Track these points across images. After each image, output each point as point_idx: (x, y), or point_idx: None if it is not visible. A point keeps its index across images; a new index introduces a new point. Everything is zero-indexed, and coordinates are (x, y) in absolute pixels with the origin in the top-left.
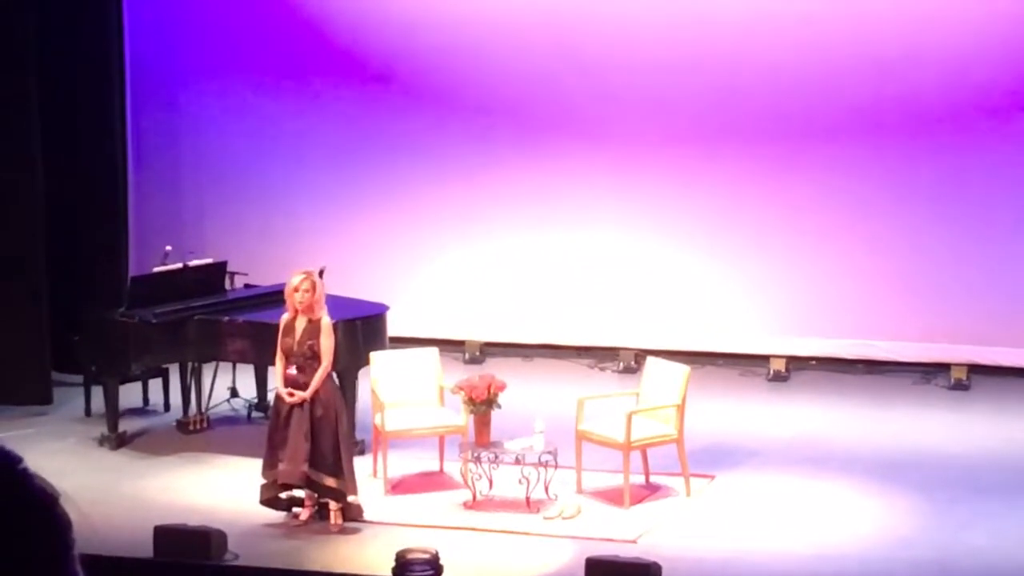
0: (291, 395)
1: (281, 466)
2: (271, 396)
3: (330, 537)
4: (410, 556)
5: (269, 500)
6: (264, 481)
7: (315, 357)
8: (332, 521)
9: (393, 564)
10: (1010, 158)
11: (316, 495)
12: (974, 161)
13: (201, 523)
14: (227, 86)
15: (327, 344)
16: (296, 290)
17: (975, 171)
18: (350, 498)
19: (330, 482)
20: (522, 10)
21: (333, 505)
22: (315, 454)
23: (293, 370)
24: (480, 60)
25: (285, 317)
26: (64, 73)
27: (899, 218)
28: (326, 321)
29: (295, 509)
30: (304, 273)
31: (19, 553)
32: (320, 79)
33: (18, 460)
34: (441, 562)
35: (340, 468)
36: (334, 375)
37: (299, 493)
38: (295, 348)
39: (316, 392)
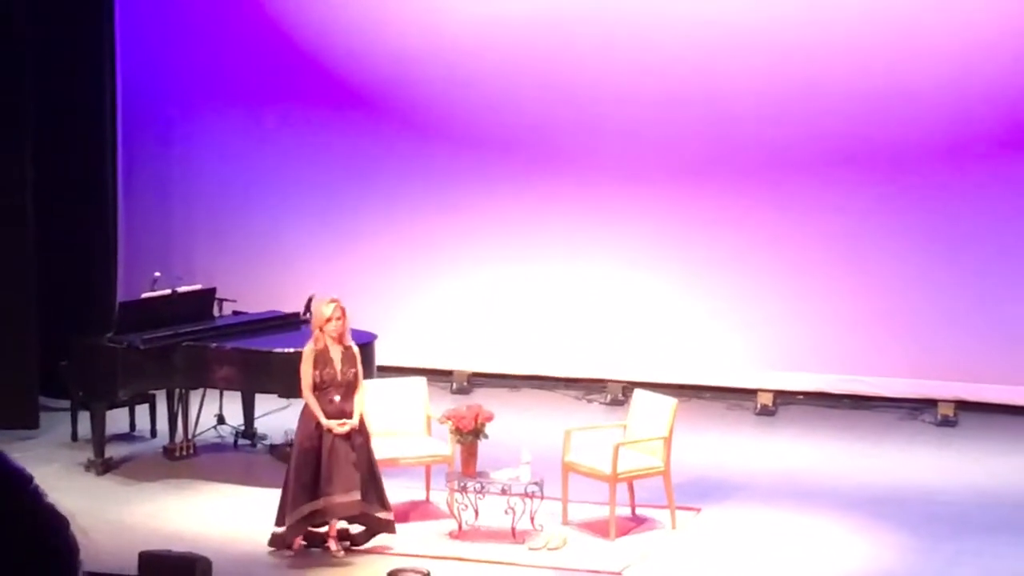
0: (342, 425)
1: (335, 499)
2: (258, 424)
3: (318, 566)
4: (402, 575)
5: (307, 536)
6: (290, 521)
7: (353, 383)
8: (333, 549)
9: None
10: (997, 194)
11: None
12: (962, 197)
13: (187, 550)
14: (218, 114)
15: (361, 369)
16: (329, 320)
17: (963, 207)
18: (386, 515)
19: (368, 508)
20: (513, 43)
21: (333, 531)
22: (363, 484)
23: (337, 399)
24: (471, 92)
25: (312, 348)
26: (57, 101)
27: (887, 254)
28: (355, 346)
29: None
30: (333, 301)
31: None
32: (311, 109)
33: (29, 480)
34: None
35: (384, 498)
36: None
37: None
38: (338, 377)
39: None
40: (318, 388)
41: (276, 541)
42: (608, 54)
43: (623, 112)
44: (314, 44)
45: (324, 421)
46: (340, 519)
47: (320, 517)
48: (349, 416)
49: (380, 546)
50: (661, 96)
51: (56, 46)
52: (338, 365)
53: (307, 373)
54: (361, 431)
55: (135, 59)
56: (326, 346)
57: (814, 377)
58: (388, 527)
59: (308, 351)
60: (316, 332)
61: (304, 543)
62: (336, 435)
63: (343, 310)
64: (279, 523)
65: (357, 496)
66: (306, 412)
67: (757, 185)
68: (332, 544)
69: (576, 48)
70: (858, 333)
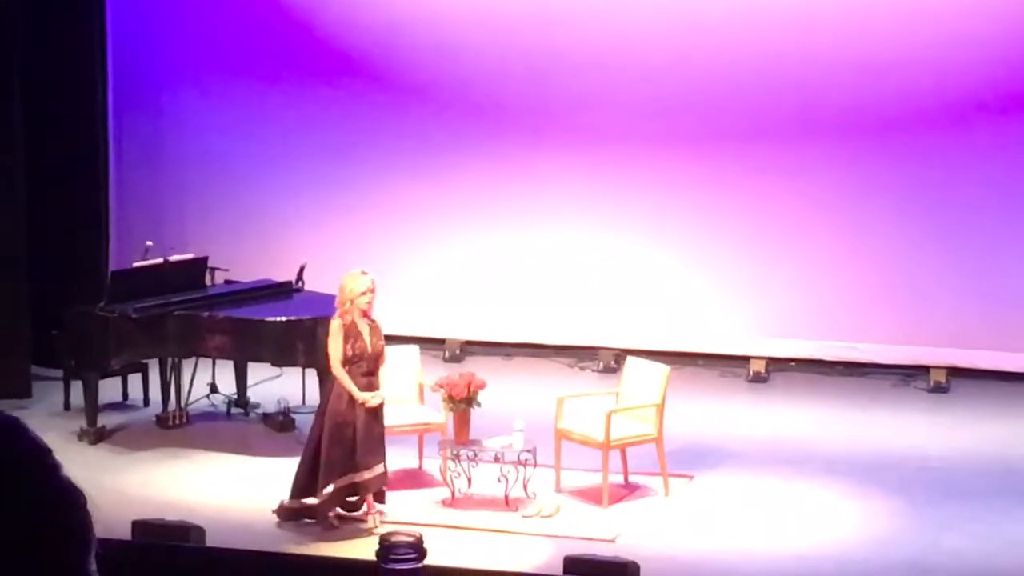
0: (374, 397)
1: (365, 475)
2: (251, 393)
3: (310, 533)
4: (394, 539)
5: (337, 508)
6: (330, 491)
7: (380, 357)
8: (370, 525)
9: (377, 547)
10: (993, 162)
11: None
12: (957, 164)
13: (180, 518)
14: (209, 84)
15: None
16: (364, 294)
17: (958, 175)
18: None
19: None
20: (502, 11)
21: (374, 508)
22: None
23: (366, 373)
24: (461, 60)
25: (340, 323)
26: (47, 70)
27: (881, 221)
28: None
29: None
30: (364, 273)
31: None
32: (302, 79)
33: (48, 452)
34: (425, 546)
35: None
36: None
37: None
38: (368, 350)
39: None
40: (349, 362)
41: (285, 512)
42: (597, 21)
43: (617, 79)
44: (304, 15)
45: (358, 395)
46: (362, 492)
47: (356, 491)
48: (378, 389)
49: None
50: (655, 63)
51: (46, 18)
52: (367, 338)
53: (337, 348)
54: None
55: (126, 31)
56: (354, 320)
57: (807, 344)
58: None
59: (336, 326)
60: (345, 306)
61: (339, 516)
62: (368, 408)
63: (374, 283)
64: (298, 496)
65: (382, 469)
66: (337, 387)
67: (751, 153)
68: (370, 519)
69: (565, 16)
70: (851, 300)
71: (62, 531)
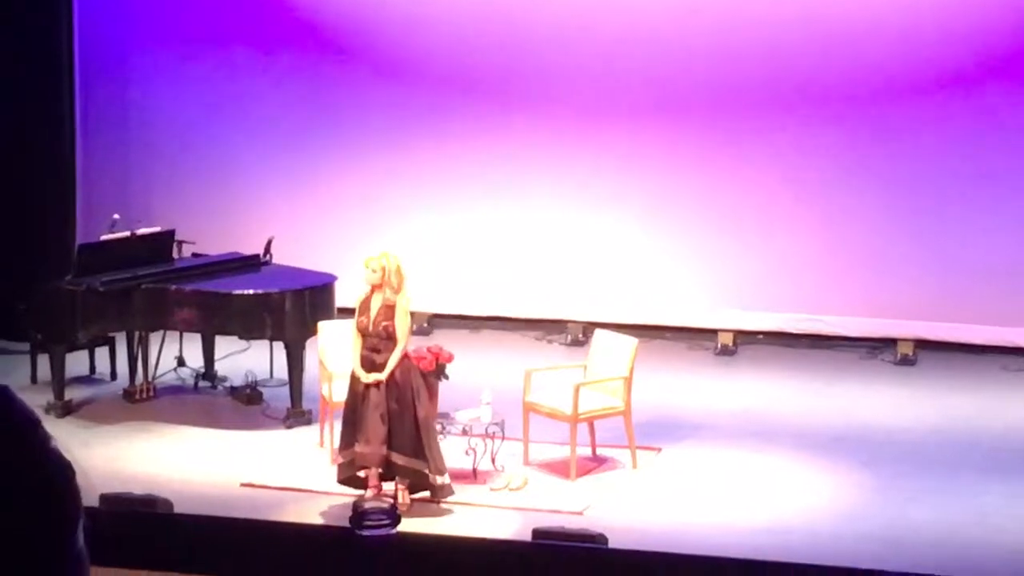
0: (368, 376)
1: (359, 447)
2: (218, 366)
3: (279, 507)
4: (367, 506)
5: (347, 479)
6: (341, 460)
7: (391, 338)
8: (400, 501)
9: (350, 514)
10: (958, 135)
11: (381, 475)
12: (923, 137)
13: (147, 492)
14: (177, 55)
15: (403, 325)
16: (366, 266)
17: (924, 148)
18: (439, 479)
19: (404, 461)
20: None
21: (401, 484)
22: (394, 436)
23: (369, 350)
24: (427, 34)
25: (361, 295)
26: (12, 40)
27: (847, 193)
28: (403, 303)
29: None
30: (383, 252)
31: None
32: (271, 50)
33: (37, 423)
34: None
35: (422, 449)
36: (409, 355)
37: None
38: (370, 328)
39: (392, 374)
40: (360, 335)
41: (339, 474)
42: None
43: (580, 52)
44: None
45: (356, 368)
46: (372, 468)
47: (358, 464)
48: (380, 368)
49: (340, 491)
50: (618, 36)
51: None
52: (372, 315)
53: (354, 321)
54: (401, 386)
55: (92, 1)
56: (368, 295)
57: (774, 316)
58: (416, 477)
59: (358, 297)
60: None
61: (369, 488)
62: (367, 385)
63: (389, 262)
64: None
65: (383, 450)
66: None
67: (715, 125)
68: (399, 495)
69: None
70: (818, 273)
71: (52, 504)
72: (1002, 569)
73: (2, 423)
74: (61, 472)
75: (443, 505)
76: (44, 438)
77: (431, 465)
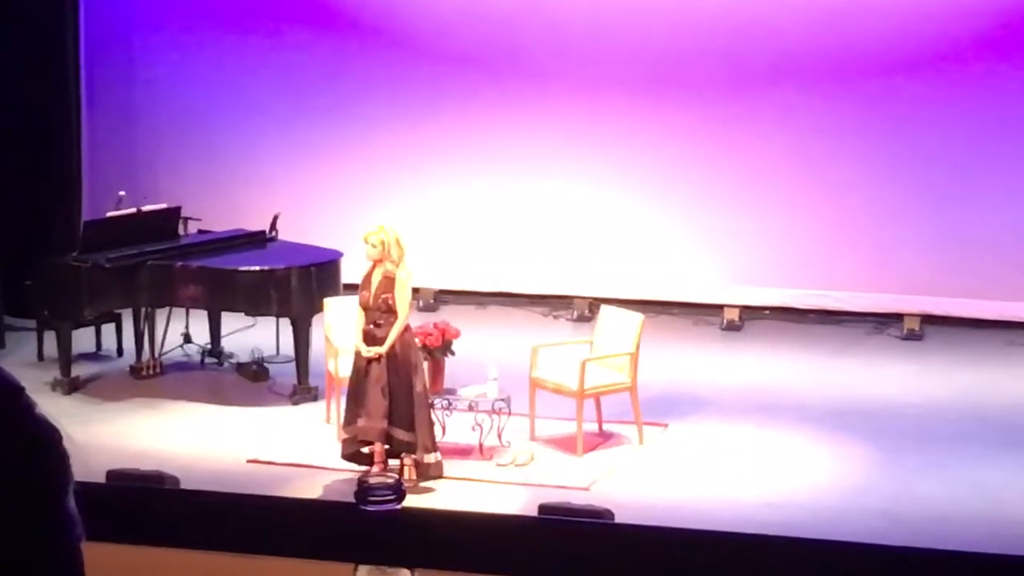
0: (368, 350)
1: (360, 422)
2: (224, 343)
3: (285, 482)
4: (372, 481)
5: (351, 455)
6: (345, 435)
7: (391, 311)
8: (406, 476)
9: (355, 489)
10: (964, 110)
11: (386, 450)
12: (928, 113)
13: (154, 468)
14: (182, 33)
15: (403, 298)
16: (365, 241)
17: (929, 123)
18: (428, 457)
19: (404, 436)
20: None
21: (407, 460)
22: (393, 410)
23: (370, 324)
24: (436, 9)
25: (364, 271)
26: (18, 19)
27: (854, 169)
28: (403, 275)
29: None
30: (379, 226)
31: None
32: (276, 27)
33: (21, 390)
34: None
35: (414, 424)
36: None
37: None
38: (370, 302)
39: (393, 348)
40: (363, 312)
41: (343, 449)
42: None
43: (589, 28)
44: None
45: (356, 342)
46: (375, 442)
47: (360, 438)
48: (380, 342)
49: (345, 466)
50: (627, 12)
51: None
52: (373, 288)
53: (358, 296)
54: (402, 360)
55: None
56: (370, 270)
57: (780, 292)
58: (412, 450)
59: (361, 275)
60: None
61: (375, 464)
62: (368, 360)
63: (388, 235)
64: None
65: (383, 424)
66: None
67: (724, 101)
68: (406, 471)
69: None
70: (825, 248)
71: (40, 468)
72: (1007, 544)
73: None
74: (48, 435)
75: (448, 480)
76: (28, 404)
77: (419, 442)
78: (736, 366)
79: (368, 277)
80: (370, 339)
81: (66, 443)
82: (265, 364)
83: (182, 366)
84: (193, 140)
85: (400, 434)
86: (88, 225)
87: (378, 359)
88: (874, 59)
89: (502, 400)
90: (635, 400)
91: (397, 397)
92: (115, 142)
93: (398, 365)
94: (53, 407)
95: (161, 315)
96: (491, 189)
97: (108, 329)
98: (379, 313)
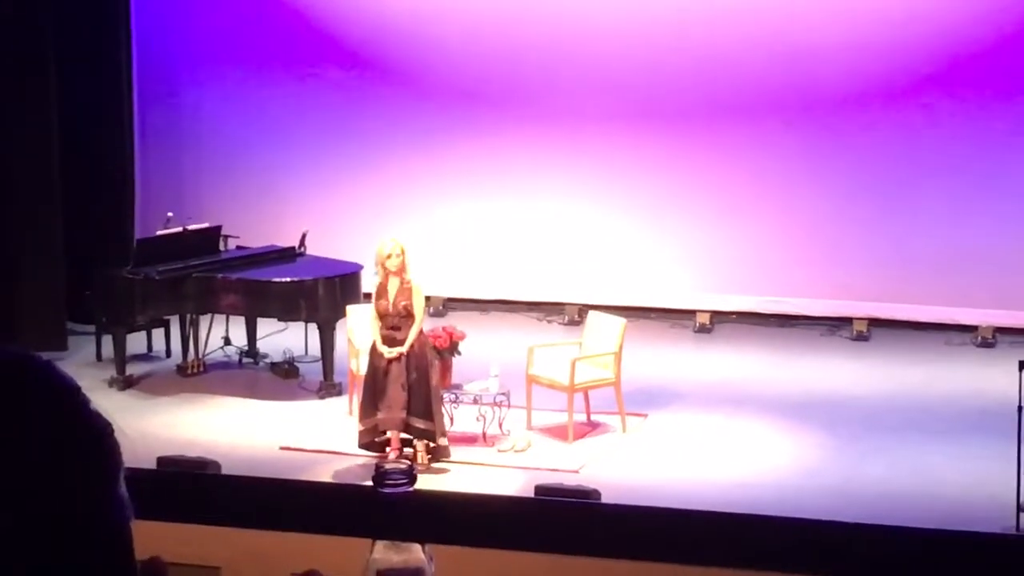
0: (391, 351)
1: (380, 414)
2: (260, 345)
3: (312, 467)
4: (388, 467)
5: (366, 444)
6: (362, 427)
7: (409, 316)
8: (419, 461)
9: (373, 474)
10: (905, 139)
11: (401, 439)
12: (874, 143)
13: (199, 455)
14: (223, 72)
15: (419, 303)
16: (388, 256)
17: (875, 151)
18: (440, 441)
19: (421, 424)
20: (479, 7)
21: (420, 446)
22: (412, 403)
23: (390, 329)
24: (445, 52)
25: (377, 281)
26: (77, 54)
27: (811, 189)
28: (417, 282)
29: (388, 450)
30: (392, 240)
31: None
32: (307, 67)
33: (77, 389)
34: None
35: (431, 413)
36: (423, 329)
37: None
38: (390, 309)
39: (412, 347)
40: (379, 317)
41: (360, 439)
42: (555, 12)
43: (575, 65)
44: (308, 4)
45: (379, 346)
46: (393, 431)
47: (380, 428)
48: (399, 343)
49: (365, 453)
50: (607, 52)
51: (76, 3)
52: (391, 297)
53: (372, 304)
54: (419, 357)
55: (148, 15)
56: (386, 280)
57: (746, 299)
58: (429, 436)
59: (374, 286)
60: (378, 268)
61: (391, 451)
62: (388, 359)
63: (402, 248)
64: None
65: (402, 414)
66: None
67: (695, 130)
68: (419, 457)
69: (528, 9)
70: (784, 260)
71: (93, 456)
72: (945, 518)
73: (47, 390)
74: (101, 428)
75: (455, 464)
76: (84, 401)
77: (437, 428)
78: (707, 364)
79: (383, 287)
80: (390, 341)
81: (118, 434)
82: (295, 363)
83: (223, 365)
84: (232, 167)
85: (418, 423)
86: (140, 242)
87: (398, 358)
88: (827, 93)
89: (502, 394)
90: (619, 394)
91: (416, 390)
92: (163, 169)
93: (416, 362)
94: (110, 402)
95: (204, 321)
96: (493, 209)
97: (158, 333)
98: (398, 318)
